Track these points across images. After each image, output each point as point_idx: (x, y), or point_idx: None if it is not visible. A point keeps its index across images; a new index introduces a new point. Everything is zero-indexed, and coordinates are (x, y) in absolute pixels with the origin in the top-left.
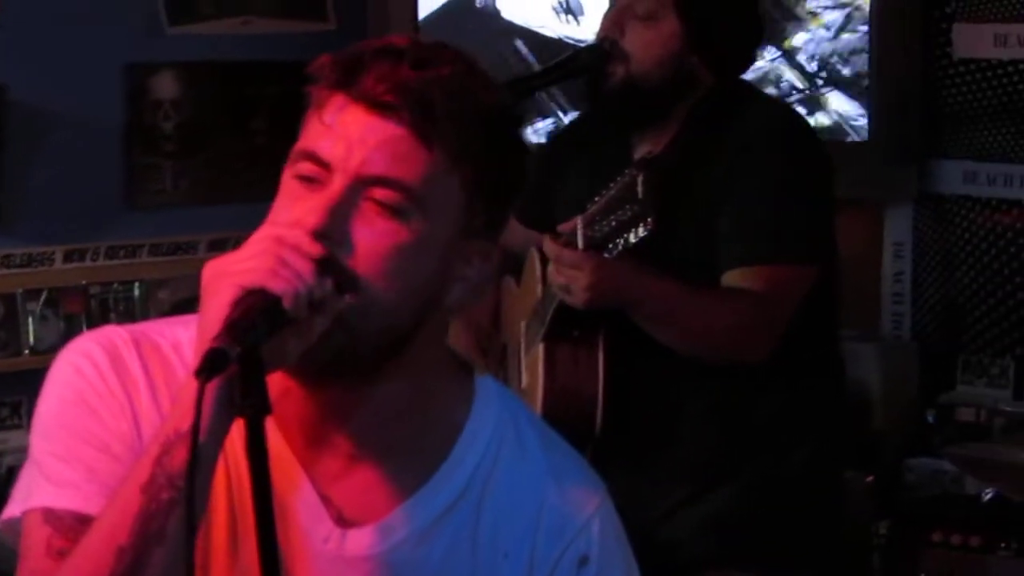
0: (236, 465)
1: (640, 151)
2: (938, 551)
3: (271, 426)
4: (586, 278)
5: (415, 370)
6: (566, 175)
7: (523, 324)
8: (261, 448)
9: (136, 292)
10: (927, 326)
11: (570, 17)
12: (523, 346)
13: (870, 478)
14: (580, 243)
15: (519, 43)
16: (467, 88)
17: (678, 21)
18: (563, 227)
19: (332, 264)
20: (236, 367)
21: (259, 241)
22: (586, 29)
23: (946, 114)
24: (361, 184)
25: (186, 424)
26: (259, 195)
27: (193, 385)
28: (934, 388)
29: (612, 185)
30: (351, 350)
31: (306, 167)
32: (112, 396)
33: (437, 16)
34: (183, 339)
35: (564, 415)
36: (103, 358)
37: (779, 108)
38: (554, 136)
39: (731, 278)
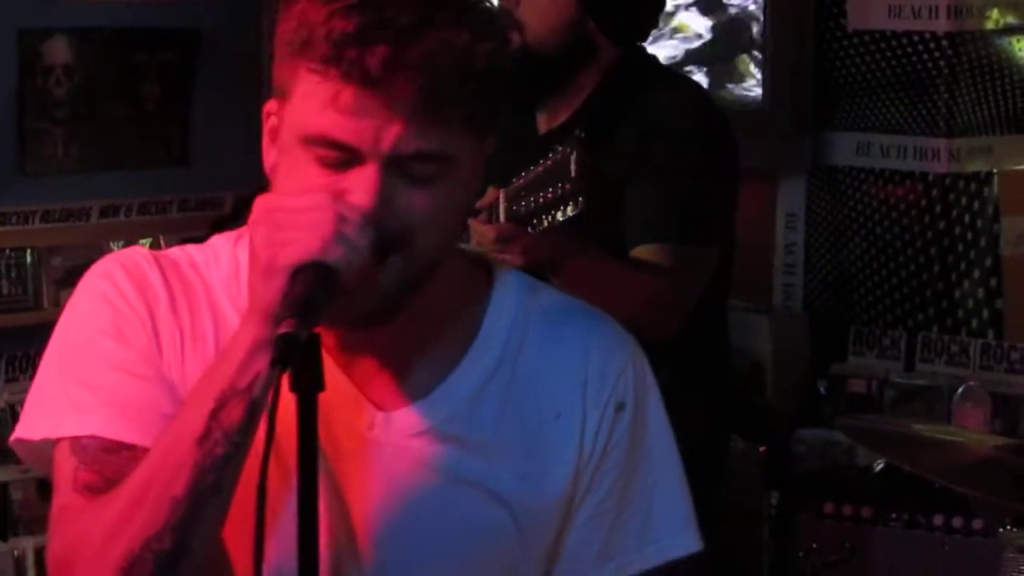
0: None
1: (543, 120)
2: (829, 522)
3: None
4: (520, 251)
5: (435, 281)
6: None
7: None
8: (312, 422)
9: (28, 259)
10: (819, 297)
11: None
12: None
13: (762, 448)
14: (502, 217)
15: None
16: (466, 48)
17: None
18: (481, 202)
19: (382, 238)
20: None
21: (315, 209)
22: None
23: (840, 86)
24: (394, 163)
25: (243, 381)
26: (149, 161)
27: (244, 336)
28: (825, 359)
29: (542, 161)
30: (392, 301)
31: (330, 154)
32: (135, 314)
33: None
34: (198, 258)
35: None
36: (124, 277)
37: (689, 88)
38: None
39: (642, 253)
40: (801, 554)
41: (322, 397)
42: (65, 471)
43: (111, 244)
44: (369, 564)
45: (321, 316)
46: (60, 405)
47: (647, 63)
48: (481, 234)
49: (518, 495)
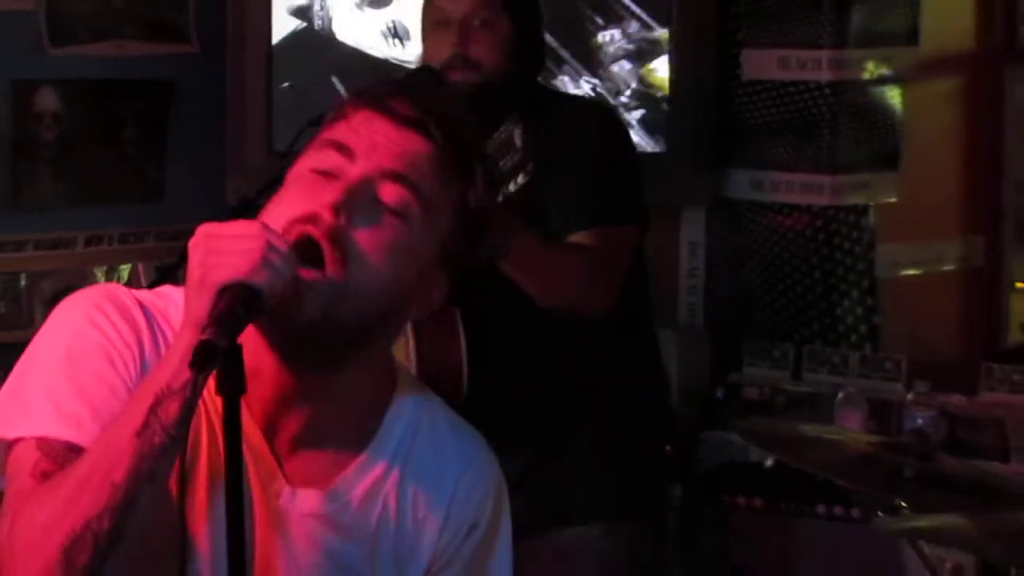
0: (215, 420)
1: None
2: (726, 512)
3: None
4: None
5: (369, 365)
6: None
7: None
8: (236, 420)
9: (22, 283)
10: (718, 315)
11: (396, 41)
12: None
13: (668, 448)
14: None
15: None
16: (471, 132)
17: (509, 22)
18: None
19: (338, 244)
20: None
21: (246, 238)
22: (410, 52)
23: (737, 129)
24: (379, 176)
25: (177, 383)
26: (128, 198)
27: (180, 343)
28: (723, 370)
29: (488, 142)
30: (326, 329)
31: (330, 155)
32: (126, 347)
33: (288, 40)
34: (160, 305)
35: (436, 384)
36: (115, 312)
37: (592, 99)
38: None
39: (575, 239)
40: (702, 539)
41: (248, 458)
42: (25, 461)
43: (95, 270)
44: None
45: (242, 328)
46: (31, 408)
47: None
48: None
49: None
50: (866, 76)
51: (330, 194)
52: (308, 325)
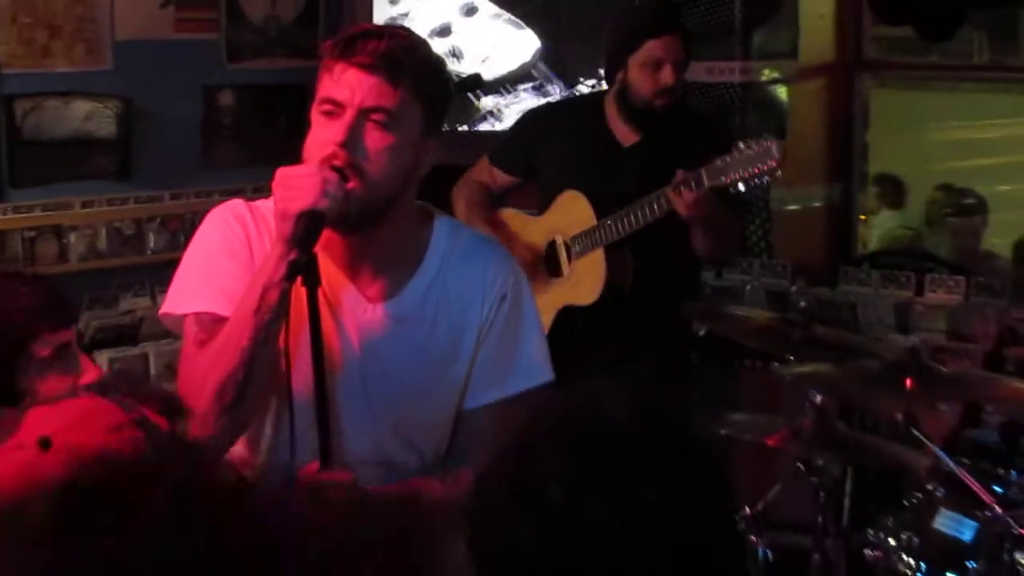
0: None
1: (622, 139)
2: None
3: (328, 259)
4: (702, 208)
5: (398, 218)
6: (543, 148)
7: (560, 238)
8: (315, 303)
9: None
10: None
11: (455, 59)
12: (565, 250)
13: None
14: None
15: None
16: (417, 51)
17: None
18: (677, 179)
19: (350, 164)
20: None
21: (308, 176)
22: (464, 67)
23: None
24: (362, 112)
25: (276, 277)
26: (280, 161)
27: (275, 251)
28: None
29: (744, 148)
30: (365, 211)
31: (327, 107)
32: (239, 241)
33: None
34: (268, 207)
35: (614, 281)
36: (232, 218)
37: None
38: (535, 113)
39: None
40: None
41: (333, 289)
42: (189, 334)
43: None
44: (356, 381)
45: (315, 243)
46: (190, 292)
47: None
48: (684, 197)
49: (450, 352)
50: (763, 79)
51: (337, 133)
52: (350, 213)
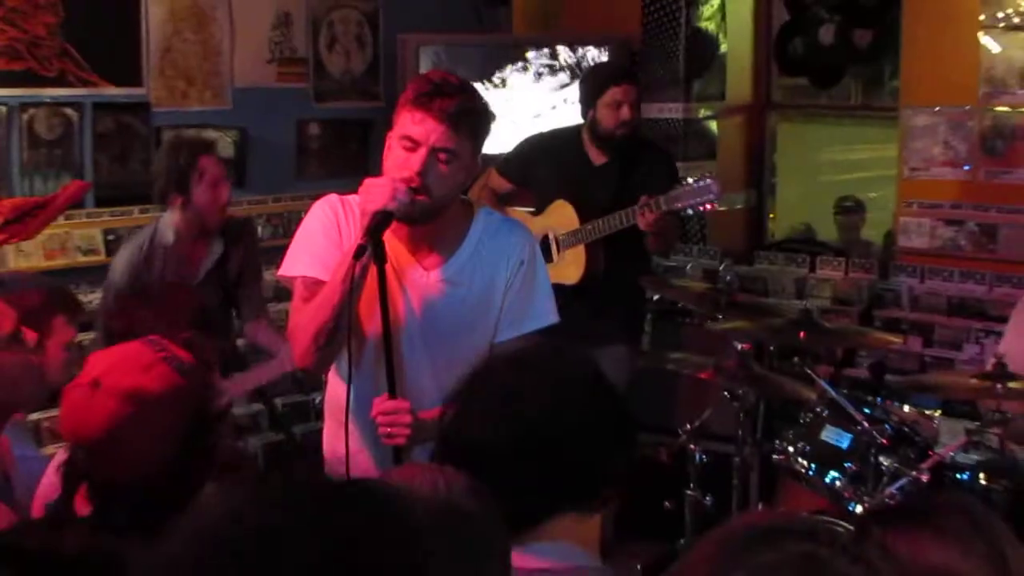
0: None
1: (592, 158)
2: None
3: (397, 241)
4: (661, 226)
5: (452, 210)
6: (537, 165)
7: (552, 233)
8: (383, 274)
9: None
10: None
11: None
12: (556, 243)
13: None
14: (648, 213)
15: None
16: (474, 105)
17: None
18: (643, 201)
19: (423, 186)
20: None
21: (383, 184)
22: None
23: None
24: (433, 150)
25: (351, 255)
26: (352, 175)
27: (356, 239)
28: None
29: (692, 183)
30: (427, 213)
31: (407, 142)
32: (333, 225)
33: None
34: (356, 200)
35: (591, 266)
36: (328, 208)
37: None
38: (530, 139)
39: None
40: None
41: (400, 262)
42: (298, 293)
43: None
44: (417, 329)
45: (384, 231)
46: (298, 261)
47: None
48: (646, 216)
49: (485, 303)
50: (700, 116)
51: (415, 164)
52: (414, 213)
